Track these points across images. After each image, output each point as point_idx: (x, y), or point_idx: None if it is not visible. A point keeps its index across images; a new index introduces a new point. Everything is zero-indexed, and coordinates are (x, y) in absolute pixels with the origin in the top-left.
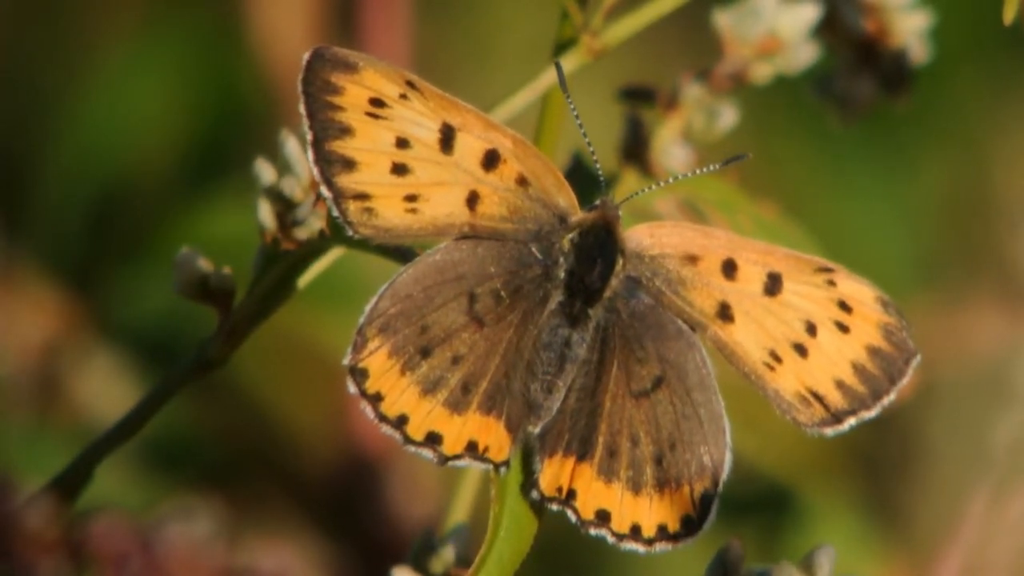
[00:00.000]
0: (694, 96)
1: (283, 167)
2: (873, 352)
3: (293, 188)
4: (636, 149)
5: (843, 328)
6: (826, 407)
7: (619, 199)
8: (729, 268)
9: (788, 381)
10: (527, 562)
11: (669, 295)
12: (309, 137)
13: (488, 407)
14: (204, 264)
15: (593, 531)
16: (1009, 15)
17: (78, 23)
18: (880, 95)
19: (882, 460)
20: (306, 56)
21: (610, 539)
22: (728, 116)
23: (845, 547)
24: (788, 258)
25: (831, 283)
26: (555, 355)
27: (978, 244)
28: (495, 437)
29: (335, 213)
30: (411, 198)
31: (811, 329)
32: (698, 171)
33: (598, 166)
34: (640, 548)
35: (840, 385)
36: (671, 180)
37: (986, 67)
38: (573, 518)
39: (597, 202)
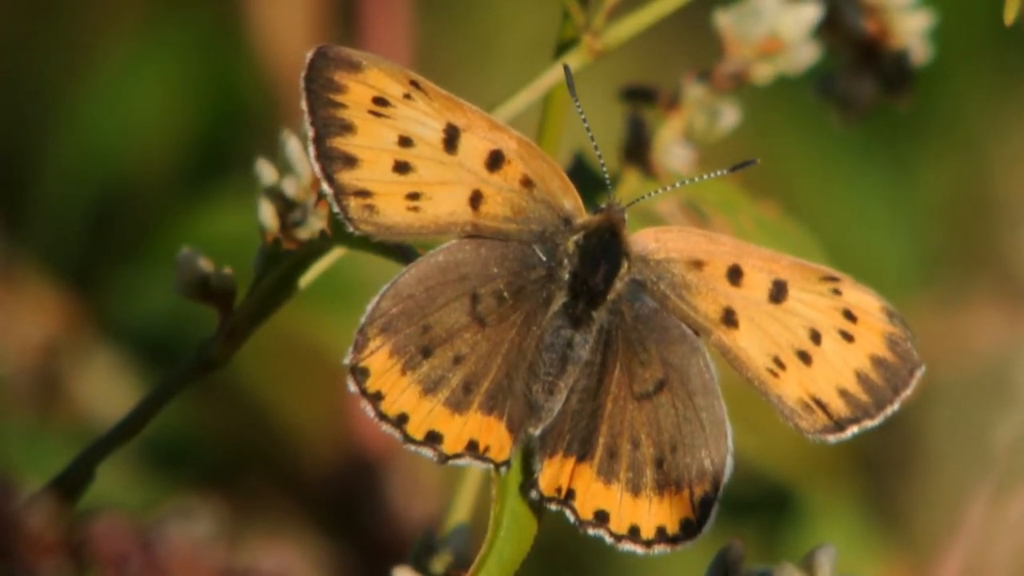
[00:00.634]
0: (695, 96)
1: (284, 167)
2: (877, 362)
3: (294, 188)
4: (637, 149)
5: (848, 337)
6: (828, 414)
7: (625, 202)
8: (735, 274)
9: (791, 388)
10: (527, 562)
11: (673, 299)
12: (311, 133)
13: (489, 407)
14: (205, 264)
15: (591, 531)
16: (1009, 15)
17: (78, 23)
18: (881, 95)
19: (882, 460)
20: (310, 54)
21: (608, 540)
22: (729, 116)
23: (845, 547)
24: (794, 266)
25: (836, 292)
26: (557, 356)
27: (978, 244)
28: (496, 437)
29: (336, 209)
30: (413, 196)
31: (815, 337)
32: (705, 176)
33: (604, 169)
34: (638, 549)
35: (843, 393)
36: (678, 185)
37: (986, 67)
38: (571, 518)
39: (603, 205)
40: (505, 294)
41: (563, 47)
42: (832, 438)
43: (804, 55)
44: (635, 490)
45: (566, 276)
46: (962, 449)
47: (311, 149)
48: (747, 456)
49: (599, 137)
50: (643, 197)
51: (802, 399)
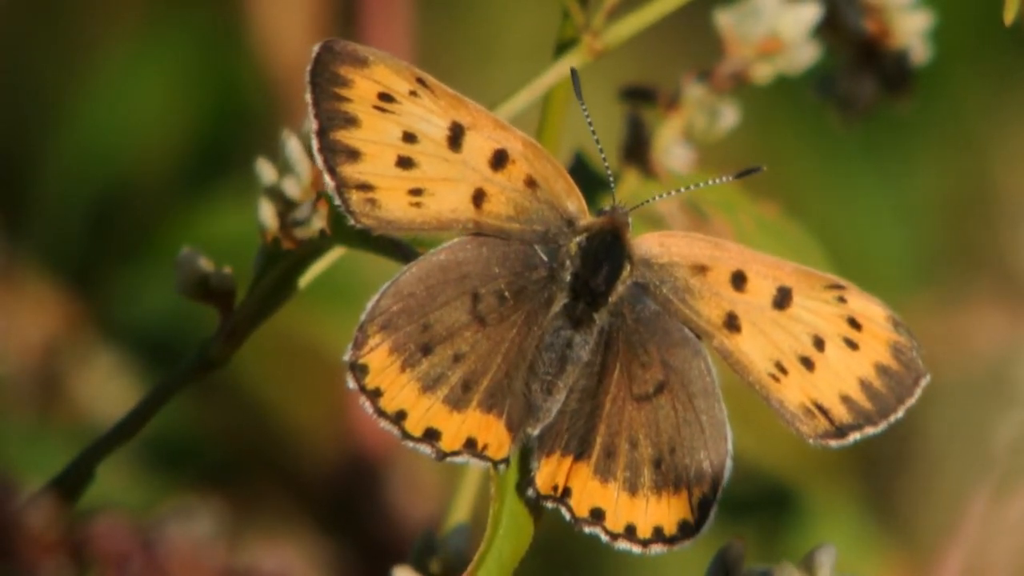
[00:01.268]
0: (695, 96)
1: (284, 167)
2: (881, 370)
3: (294, 188)
4: (637, 149)
5: (852, 345)
6: (830, 420)
7: (628, 205)
8: (738, 280)
9: (793, 393)
10: (527, 560)
11: (676, 303)
12: (314, 126)
13: (488, 405)
14: (205, 264)
15: (587, 529)
16: (1009, 15)
17: (78, 23)
18: (881, 95)
19: (882, 460)
20: (316, 48)
21: (604, 538)
22: (729, 116)
23: (845, 547)
24: (798, 273)
25: (842, 300)
26: (556, 356)
27: (978, 243)
28: (494, 435)
29: (337, 202)
30: (416, 192)
31: (819, 344)
32: (711, 181)
33: (608, 170)
34: (635, 548)
35: (846, 400)
36: (682, 189)
37: (986, 67)
38: (567, 516)
39: (607, 208)
40: (506, 294)
41: (563, 47)
42: (834, 443)
43: (804, 55)
44: (632, 489)
45: (568, 277)
46: (962, 449)
47: (314, 141)
48: (747, 456)
49: (600, 137)
50: (647, 201)
51: (803, 404)
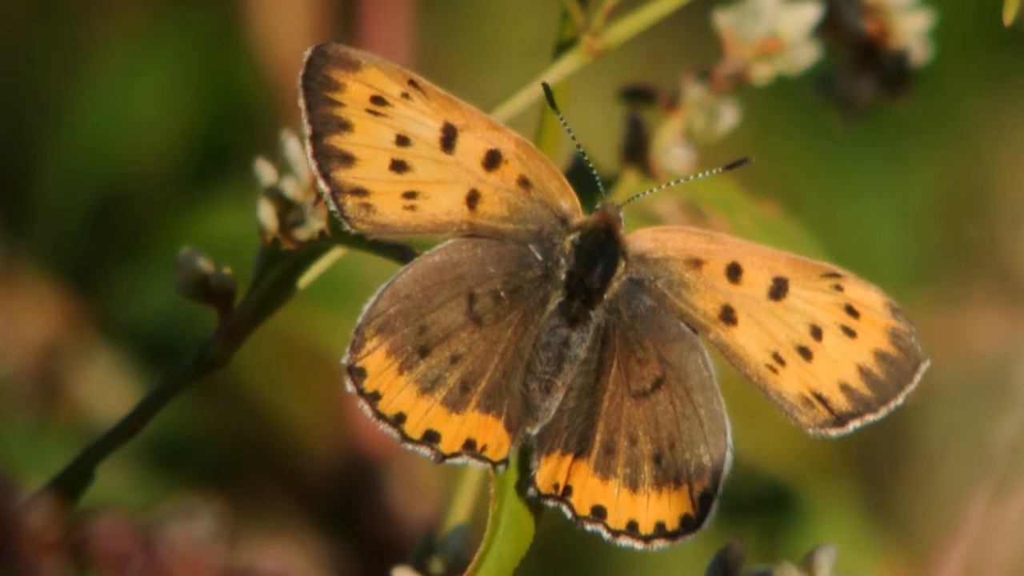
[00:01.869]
0: (695, 96)
1: (283, 167)
2: (880, 357)
3: (293, 188)
4: (637, 149)
5: (850, 332)
6: (830, 409)
7: (621, 201)
8: (734, 272)
9: (791, 383)
10: (526, 560)
11: (671, 298)
12: (307, 131)
13: (487, 406)
14: (204, 264)
15: (589, 527)
16: (1009, 15)
17: (78, 23)
18: (881, 95)
19: (882, 460)
20: (308, 52)
21: (606, 535)
22: (729, 116)
23: (845, 547)
24: (794, 263)
25: (838, 288)
26: (554, 355)
27: (977, 243)
28: (493, 436)
29: (332, 208)
30: (410, 195)
31: (816, 333)
32: (700, 175)
33: (595, 172)
34: (637, 545)
35: (845, 388)
36: (673, 183)
37: (986, 67)
38: (568, 514)
39: (599, 205)
40: (502, 294)
41: (563, 47)
42: (833, 432)
43: (804, 55)
44: (633, 486)
45: (563, 276)
46: (961, 449)
47: (307, 147)
48: (747, 456)
49: (599, 137)
50: (638, 196)
51: (802, 394)
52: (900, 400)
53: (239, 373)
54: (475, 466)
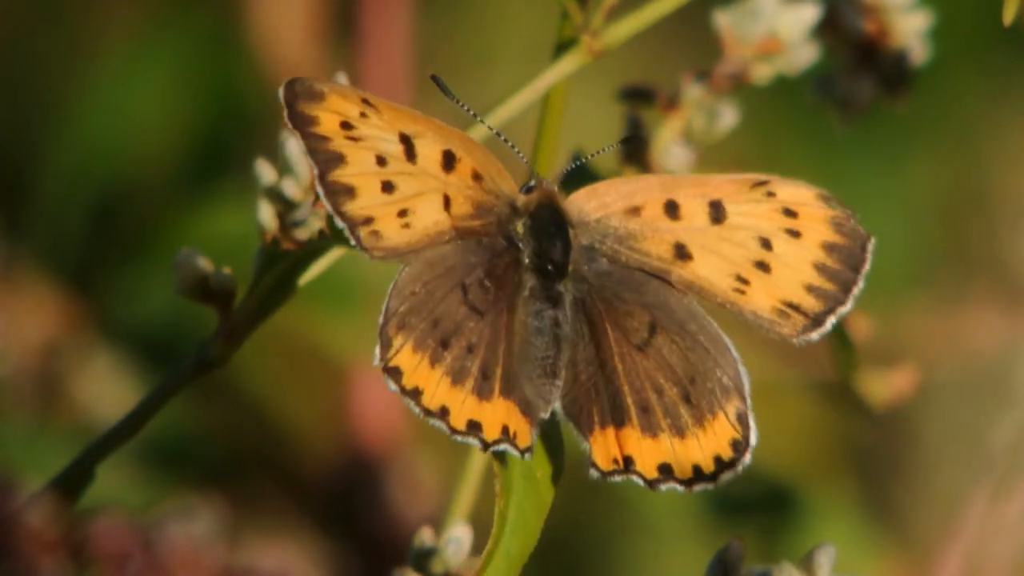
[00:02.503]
0: (694, 96)
1: (283, 167)
2: (830, 248)
3: (293, 188)
4: (636, 149)
5: (794, 234)
6: (804, 313)
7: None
8: (672, 209)
9: (761, 299)
10: (529, 558)
11: (625, 252)
12: (316, 171)
13: (507, 392)
14: (204, 264)
15: (662, 487)
16: (1009, 15)
17: (78, 23)
18: (880, 95)
19: (882, 460)
20: (281, 92)
21: (680, 488)
22: (728, 116)
23: (845, 547)
24: (724, 183)
25: (770, 194)
26: (547, 338)
27: (977, 243)
28: (518, 421)
29: (352, 242)
30: (402, 213)
31: (766, 244)
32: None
33: (516, 149)
34: (707, 486)
35: (810, 289)
36: (607, 148)
37: (985, 67)
38: (640, 482)
39: (531, 182)
40: (486, 282)
41: (562, 47)
42: (815, 335)
43: (803, 55)
44: (680, 433)
45: (527, 259)
46: (961, 449)
47: (319, 187)
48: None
49: (599, 137)
50: (577, 163)
51: (775, 307)
52: (860, 283)
53: (239, 373)
54: (512, 453)
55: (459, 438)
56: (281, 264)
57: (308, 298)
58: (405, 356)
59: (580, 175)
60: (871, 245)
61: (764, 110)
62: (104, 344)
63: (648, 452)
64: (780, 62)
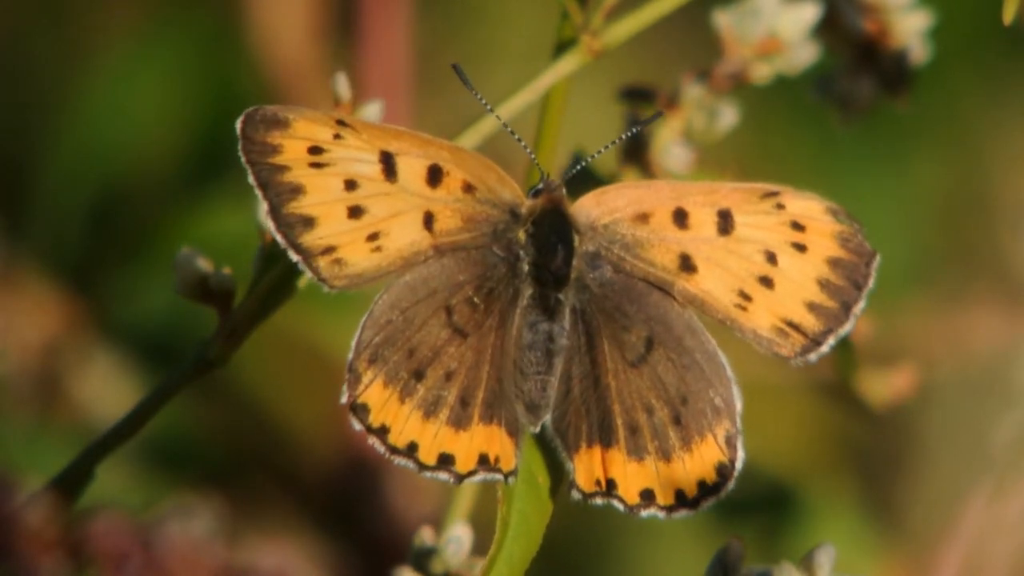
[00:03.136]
0: (694, 96)
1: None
2: (834, 263)
3: None
4: (636, 149)
5: (800, 248)
6: (803, 333)
7: (563, 176)
8: (680, 217)
9: (762, 317)
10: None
11: (630, 260)
12: (265, 207)
13: (489, 416)
14: (204, 264)
15: (643, 513)
16: (1009, 15)
17: (78, 23)
18: (880, 95)
19: (882, 459)
20: (239, 123)
21: (660, 515)
22: (728, 116)
23: (845, 547)
24: (734, 191)
25: (780, 206)
26: (540, 352)
27: (977, 244)
28: (501, 445)
29: (308, 274)
30: (373, 237)
31: (771, 258)
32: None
33: (524, 144)
34: (687, 512)
35: (811, 307)
36: (606, 148)
37: (985, 67)
38: (620, 507)
39: (540, 185)
40: (476, 300)
41: (562, 47)
42: (813, 356)
43: (803, 55)
44: (666, 456)
45: (526, 267)
46: (961, 448)
47: (270, 222)
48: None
49: (599, 137)
50: (578, 166)
51: (775, 325)
52: (862, 302)
53: (239, 373)
54: (491, 482)
55: (428, 474)
56: (281, 264)
57: (308, 298)
58: (374, 392)
59: (581, 176)
60: (876, 262)
61: (764, 110)
62: (104, 344)
63: (632, 477)
64: (780, 62)
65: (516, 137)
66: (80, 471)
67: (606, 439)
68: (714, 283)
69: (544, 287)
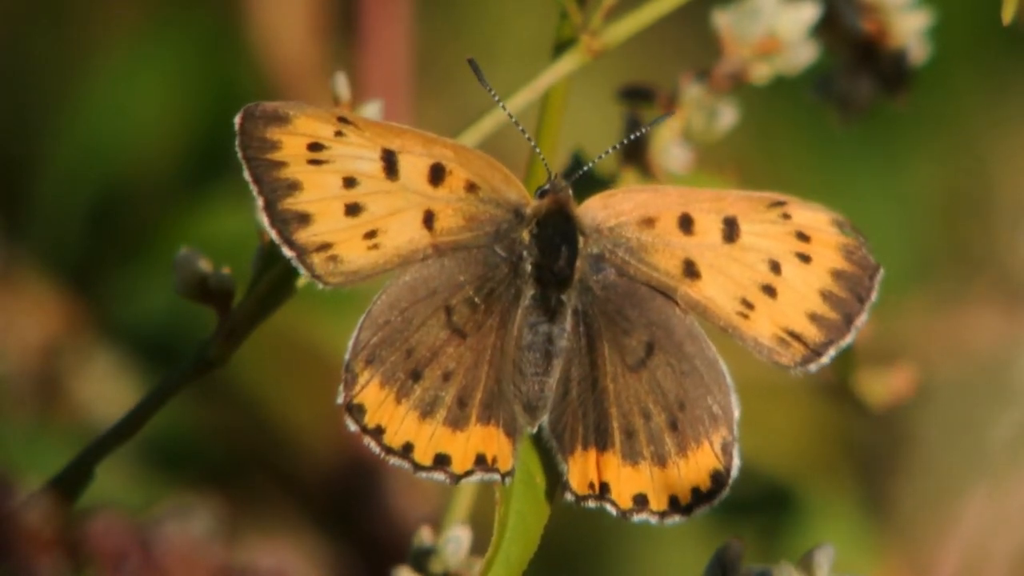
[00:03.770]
0: (694, 96)
1: None
2: (837, 275)
3: None
4: (635, 149)
5: (805, 259)
6: (804, 343)
7: (569, 178)
8: (686, 223)
9: (764, 326)
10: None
11: (634, 264)
12: (260, 202)
13: (487, 417)
14: (204, 264)
15: (635, 518)
16: (1008, 15)
17: (78, 23)
18: (879, 95)
19: (881, 459)
20: (237, 119)
21: (653, 521)
22: (728, 116)
23: (844, 546)
24: (740, 199)
25: (786, 216)
26: (540, 353)
27: (977, 243)
28: (499, 445)
29: (301, 271)
30: (370, 234)
31: (775, 267)
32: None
33: (535, 147)
34: (680, 519)
35: (813, 317)
36: (609, 151)
37: (984, 67)
38: (613, 511)
39: (546, 186)
40: (476, 300)
41: (561, 47)
42: (813, 367)
43: (802, 55)
44: (661, 462)
45: (529, 268)
46: (960, 448)
47: (263, 217)
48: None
49: (599, 137)
50: (586, 168)
51: (776, 335)
52: (864, 315)
53: (238, 373)
54: (487, 481)
55: (423, 475)
56: (280, 264)
57: (307, 298)
58: (371, 392)
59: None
60: (879, 276)
61: (763, 110)
62: (104, 344)
63: (626, 481)
64: (779, 62)
65: (527, 137)
66: (80, 471)
67: (601, 442)
68: (717, 290)
69: (546, 288)
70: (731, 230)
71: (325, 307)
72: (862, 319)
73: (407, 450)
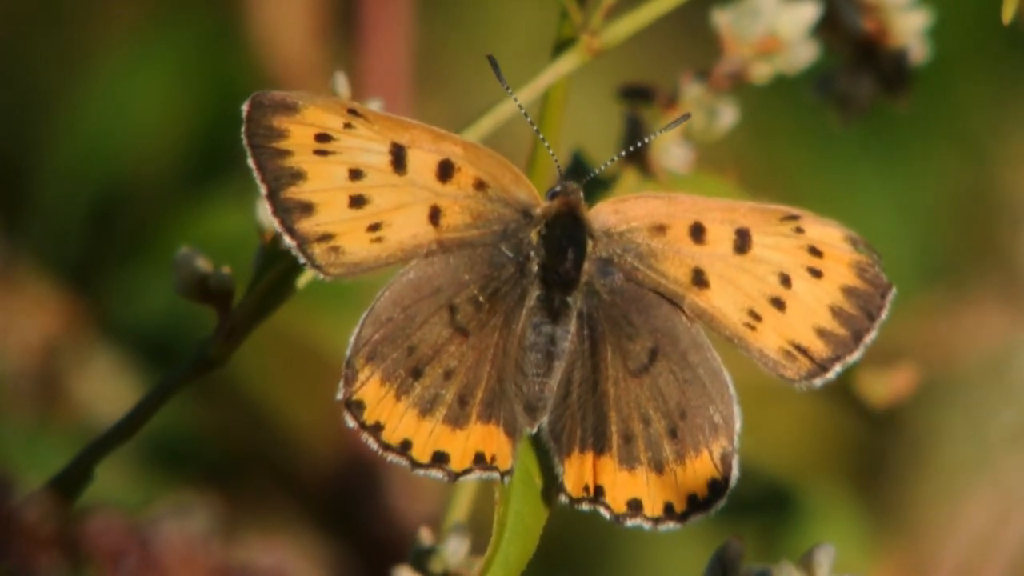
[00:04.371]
0: (694, 95)
1: None
2: (849, 292)
3: None
4: (636, 149)
5: (816, 274)
6: (811, 358)
7: (581, 182)
8: (697, 232)
9: (770, 338)
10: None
11: (643, 269)
12: (263, 190)
13: (487, 416)
14: (203, 264)
15: (629, 523)
16: (1008, 15)
17: (78, 23)
18: (880, 94)
19: (882, 459)
20: (246, 106)
21: (646, 526)
22: (728, 115)
23: (844, 546)
24: (753, 211)
25: (799, 230)
26: (542, 354)
27: (981, 242)
28: (498, 444)
29: (302, 260)
30: (374, 227)
31: (785, 281)
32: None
33: (551, 151)
34: (674, 525)
35: (821, 333)
36: (610, 161)
37: (986, 66)
38: (606, 515)
39: (557, 188)
40: (480, 299)
41: (561, 46)
42: (818, 381)
43: (803, 54)
44: (659, 468)
45: (535, 269)
46: (962, 447)
47: (266, 205)
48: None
49: (599, 136)
50: (594, 172)
51: (783, 347)
52: (874, 333)
53: (239, 373)
54: (486, 480)
55: (421, 472)
56: (280, 263)
57: (307, 298)
58: (371, 389)
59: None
60: (891, 295)
61: (764, 109)
62: (104, 344)
63: (621, 485)
64: (779, 61)
65: (540, 136)
66: (79, 471)
67: (599, 445)
68: (725, 300)
69: (552, 290)
70: (743, 241)
71: (325, 307)
72: (871, 336)
73: (405, 447)
